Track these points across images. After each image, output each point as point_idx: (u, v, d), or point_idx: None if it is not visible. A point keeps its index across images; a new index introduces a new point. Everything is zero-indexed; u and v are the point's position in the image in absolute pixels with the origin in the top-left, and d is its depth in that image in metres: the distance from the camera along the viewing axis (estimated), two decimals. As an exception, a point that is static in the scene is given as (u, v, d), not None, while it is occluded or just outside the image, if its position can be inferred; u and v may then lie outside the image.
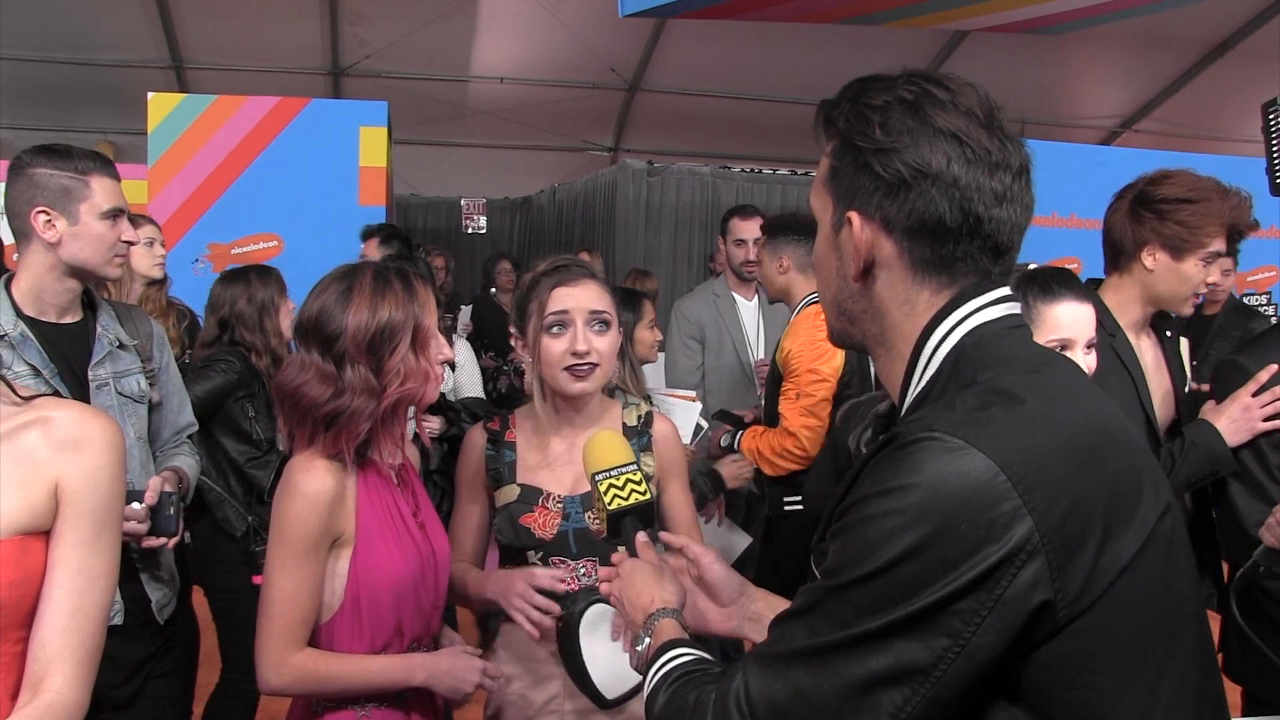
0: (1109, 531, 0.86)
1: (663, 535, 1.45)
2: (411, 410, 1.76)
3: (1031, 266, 2.07)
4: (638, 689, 1.76)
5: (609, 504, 1.30)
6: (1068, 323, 1.97)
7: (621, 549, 1.39)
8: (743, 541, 3.18)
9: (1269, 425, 2.08)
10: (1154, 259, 2.17)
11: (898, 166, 0.95)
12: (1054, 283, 1.99)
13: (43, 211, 2.03)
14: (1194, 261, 2.14)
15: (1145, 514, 0.89)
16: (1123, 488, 0.89)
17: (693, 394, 3.25)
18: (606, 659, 1.76)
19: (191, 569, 3.00)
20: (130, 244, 2.17)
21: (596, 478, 1.32)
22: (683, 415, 3.05)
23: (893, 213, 0.96)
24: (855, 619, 0.85)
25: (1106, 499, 0.87)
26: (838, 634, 0.86)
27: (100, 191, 2.09)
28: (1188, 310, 2.23)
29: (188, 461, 2.37)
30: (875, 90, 0.99)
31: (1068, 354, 1.94)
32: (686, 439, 2.96)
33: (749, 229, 3.76)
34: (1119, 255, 2.24)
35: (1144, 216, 2.16)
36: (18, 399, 1.30)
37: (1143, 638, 0.88)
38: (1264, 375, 2.09)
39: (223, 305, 3.06)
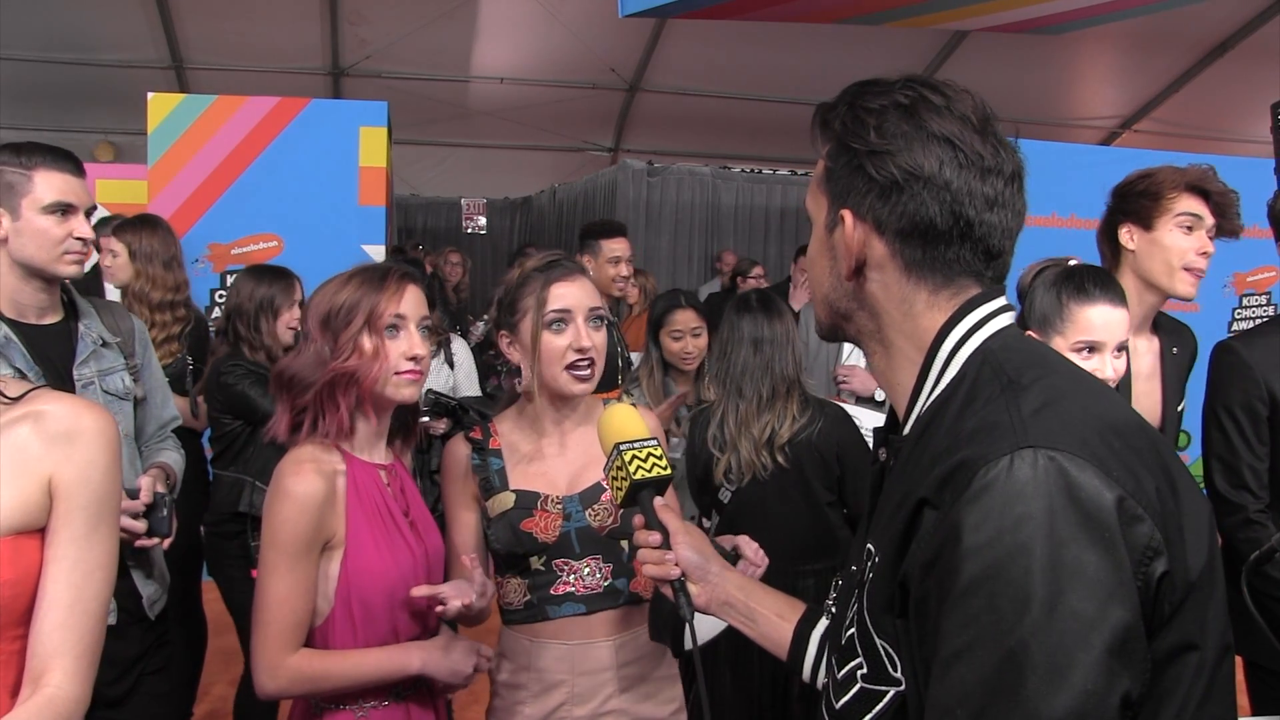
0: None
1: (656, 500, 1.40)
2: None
3: (1072, 262, 2.07)
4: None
5: (633, 473, 1.29)
6: (1099, 325, 1.98)
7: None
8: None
9: None
10: (1131, 238, 2.25)
11: (891, 169, 0.96)
12: (1089, 283, 2.01)
13: None
14: (1166, 227, 2.21)
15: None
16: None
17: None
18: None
19: (206, 562, 3.15)
20: (83, 240, 2.04)
21: (621, 447, 1.32)
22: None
23: (884, 214, 0.98)
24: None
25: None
26: None
27: (44, 185, 1.99)
28: (1184, 289, 2.21)
29: (173, 456, 2.37)
30: (872, 94, 1.00)
31: (1096, 356, 1.98)
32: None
33: None
34: (1108, 250, 2.32)
35: (1112, 206, 2.31)
36: (6, 398, 1.29)
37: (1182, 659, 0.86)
38: None
39: (228, 297, 3.22)
